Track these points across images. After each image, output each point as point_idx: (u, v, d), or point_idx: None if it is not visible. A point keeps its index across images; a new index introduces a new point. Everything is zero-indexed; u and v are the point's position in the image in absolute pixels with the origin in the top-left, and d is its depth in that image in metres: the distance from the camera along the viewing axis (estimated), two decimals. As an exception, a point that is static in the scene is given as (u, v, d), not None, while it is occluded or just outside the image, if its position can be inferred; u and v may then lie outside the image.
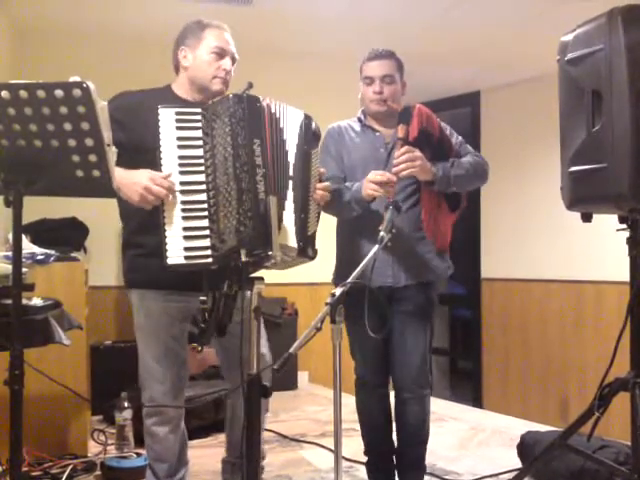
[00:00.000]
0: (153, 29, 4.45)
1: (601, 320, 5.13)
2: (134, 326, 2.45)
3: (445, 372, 7.14)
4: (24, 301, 2.39)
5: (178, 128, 2.08)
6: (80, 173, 1.71)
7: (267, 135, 2.05)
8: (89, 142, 1.66)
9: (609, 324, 4.96)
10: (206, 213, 2.04)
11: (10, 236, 2.83)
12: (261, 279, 2.02)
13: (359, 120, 2.80)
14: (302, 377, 5.25)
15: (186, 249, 2.03)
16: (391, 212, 2.33)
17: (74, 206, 4.22)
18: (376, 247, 2.23)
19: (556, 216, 4.25)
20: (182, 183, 2.07)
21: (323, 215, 2.38)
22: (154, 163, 2.08)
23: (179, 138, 2.08)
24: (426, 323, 2.73)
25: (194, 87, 2.42)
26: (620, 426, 2.74)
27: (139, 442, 3.26)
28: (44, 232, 3.96)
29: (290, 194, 2.12)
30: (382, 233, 2.26)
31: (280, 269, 2.20)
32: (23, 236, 1.82)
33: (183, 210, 2.06)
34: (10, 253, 2.42)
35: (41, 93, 1.60)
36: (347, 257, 2.71)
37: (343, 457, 2.11)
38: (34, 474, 3.05)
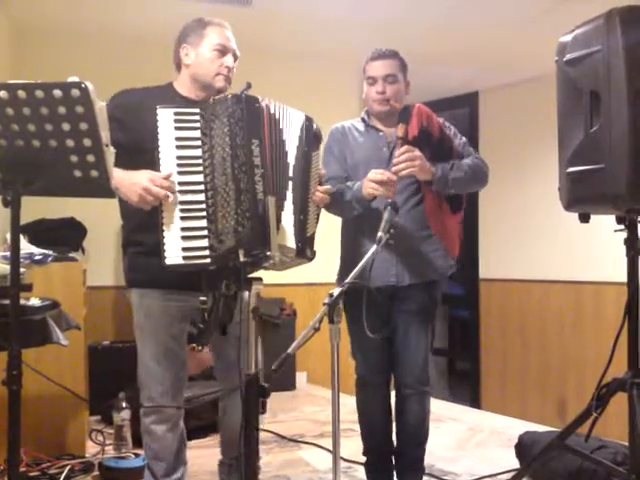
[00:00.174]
0: (153, 29, 4.44)
1: (600, 321, 5.13)
2: (133, 325, 2.45)
3: (443, 372, 7.14)
4: (22, 301, 2.39)
5: (177, 128, 2.08)
6: (78, 173, 1.71)
7: (266, 135, 2.05)
8: (87, 142, 1.66)
9: (608, 325, 4.95)
10: (204, 213, 2.04)
11: (8, 236, 2.83)
12: (259, 279, 2.02)
13: (363, 120, 2.81)
14: (300, 377, 5.24)
15: (184, 249, 2.03)
16: (389, 212, 2.34)
17: (72, 206, 4.21)
18: (374, 247, 2.23)
19: (555, 216, 4.25)
20: (180, 183, 2.07)
21: (322, 216, 2.37)
22: (153, 163, 2.08)
23: (177, 138, 2.08)
24: (429, 322, 2.75)
25: (196, 84, 2.42)
26: (618, 426, 2.74)
27: (137, 442, 3.26)
28: (42, 232, 3.95)
29: (289, 195, 2.11)
30: (380, 233, 2.27)
31: (278, 270, 2.20)
32: (21, 236, 1.83)
33: (181, 210, 2.06)
34: (8, 253, 2.42)
35: (39, 93, 1.60)
36: (350, 257, 2.71)
37: (341, 457, 2.11)
38: (32, 474, 3.05)
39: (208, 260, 2.02)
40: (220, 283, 2.00)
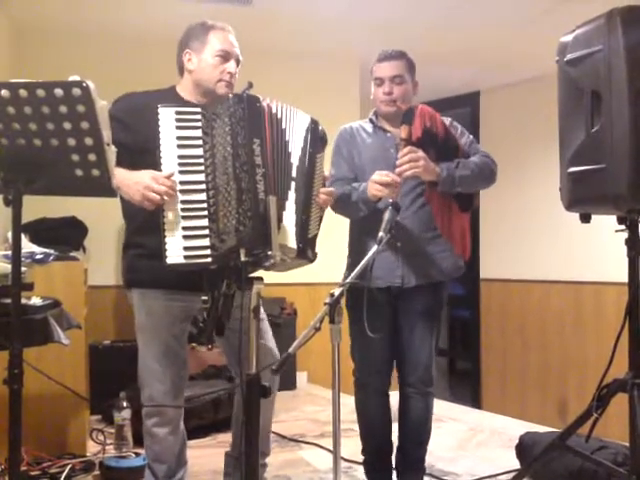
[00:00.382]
0: (153, 29, 4.45)
1: (600, 321, 5.13)
2: (135, 325, 2.45)
3: (444, 373, 7.15)
4: (23, 300, 2.39)
5: (178, 127, 2.08)
6: (79, 172, 1.71)
7: (267, 135, 2.05)
8: (88, 141, 1.66)
9: (608, 325, 4.96)
10: (206, 213, 2.05)
11: (9, 235, 2.83)
12: (260, 279, 2.02)
13: (371, 121, 2.81)
14: (301, 377, 5.25)
15: (185, 248, 2.03)
16: (390, 212, 2.34)
17: (73, 205, 4.22)
18: (375, 247, 2.23)
19: (555, 217, 4.26)
20: (182, 183, 2.07)
21: (324, 217, 2.37)
22: (156, 164, 2.08)
23: (179, 137, 2.08)
24: (434, 324, 2.75)
25: (199, 90, 2.42)
26: (618, 427, 2.74)
27: (138, 442, 3.26)
28: (43, 231, 3.95)
29: (292, 195, 2.12)
30: (381, 233, 2.27)
31: (279, 271, 2.20)
32: (22, 235, 1.82)
33: (183, 210, 2.06)
34: (9, 252, 2.42)
35: (41, 92, 1.60)
36: (356, 257, 2.72)
37: (342, 457, 2.11)
38: (33, 473, 3.05)
39: (209, 259, 2.02)
40: (221, 282, 2.01)
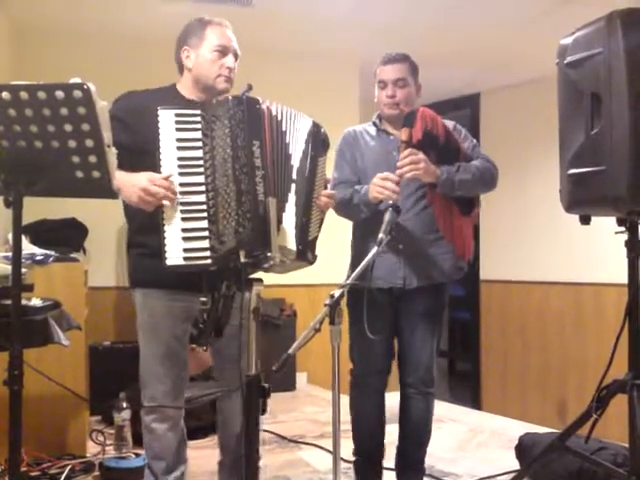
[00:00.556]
0: (153, 29, 4.45)
1: (600, 322, 5.13)
2: (137, 325, 2.45)
3: (444, 374, 7.15)
4: (24, 302, 2.40)
5: (178, 129, 2.08)
6: (80, 174, 1.71)
7: (267, 137, 2.05)
8: (89, 143, 1.66)
9: (608, 326, 4.96)
10: (205, 214, 2.04)
11: (10, 237, 2.83)
12: (260, 280, 2.03)
13: (374, 124, 2.82)
14: (301, 378, 5.25)
15: (185, 250, 2.03)
16: (390, 214, 2.34)
17: (73, 207, 4.22)
18: (375, 249, 2.24)
19: (555, 218, 4.26)
20: (181, 184, 2.07)
21: (324, 219, 2.37)
22: (155, 166, 2.08)
23: (179, 139, 2.08)
24: (435, 325, 2.76)
25: (199, 86, 2.42)
26: (618, 428, 2.74)
27: (138, 442, 3.26)
28: (44, 233, 3.96)
29: (292, 197, 2.11)
30: (381, 235, 2.27)
31: (279, 273, 2.20)
32: (23, 237, 1.83)
33: (182, 211, 2.06)
34: (10, 254, 2.43)
35: (42, 94, 1.60)
36: (358, 258, 2.72)
37: (341, 458, 2.11)
38: (33, 474, 3.05)
39: (209, 261, 2.03)
40: (221, 284, 2.01)
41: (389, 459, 2.92)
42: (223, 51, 2.39)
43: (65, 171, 1.71)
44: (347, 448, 2.85)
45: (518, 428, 4.08)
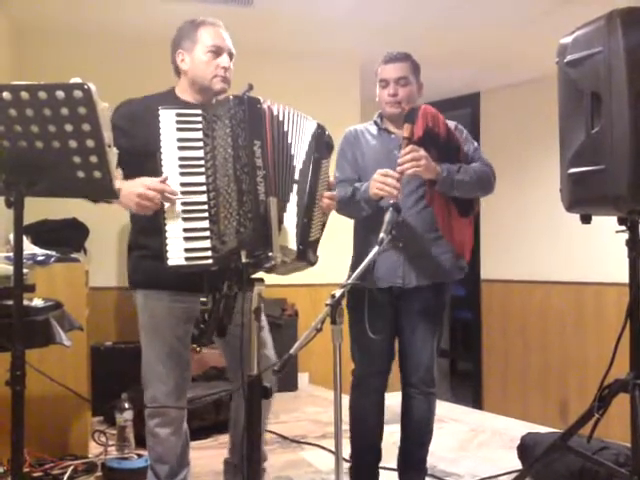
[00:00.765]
0: (153, 29, 4.45)
1: (601, 321, 5.13)
2: (138, 326, 2.46)
3: (445, 373, 7.15)
4: (25, 302, 2.40)
5: (179, 129, 2.09)
6: (81, 174, 1.71)
7: (268, 136, 2.06)
8: (90, 143, 1.67)
9: (609, 325, 4.96)
10: (206, 214, 2.05)
11: (11, 237, 2.83)
12: (261, 280, 2.03)
13: (375, 123, 2.82)
14: (302, 378, 5.25)
15: (186, 250, 2.03)
16: (391, 213, 2.34)
17: (74, 207, 4.20)
18: (376, 248, 2.23)
19: (556, 217, 4.26)
20: (183, 184, 2.07)
21: (327, 222, 2.37)
22: (157, 170, 2.09)
23: (180, 139, 2.08)
24: (436, 325, 2.75)
25: (196, 88, 2.42)
26: (620, 428, 2.74)
27: (140, 443, 3.26)
28: (44, 233, 3.96)
29: (294, 197, 2.11)
30: (382, 234, 2.27)
31: (281, 274, 2.20)
32: (24, 237, 1.83)
33: (184, 211, 2.06)
34: (11, 254, 2.43)
35: (42, 94, 1.61)
36: (360, 257, 2.72)
37: (343, 458, 2.11)
38: (35, 475, 3.05)
39: (210, 261, 2.03)
40: (222, 284, 2.01)
41: (391, 459, 2.92)
42: (217, 51, 2.38)
43: (66, 171, 1.71)
44: (349, 448, 2.85)
45: (520, 428, 4.07)
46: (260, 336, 2.05)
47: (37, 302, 2.63)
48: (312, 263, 2.18)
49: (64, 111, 1.62)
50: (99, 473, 3.19)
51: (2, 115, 1.63)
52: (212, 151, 2.05)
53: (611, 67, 1.96)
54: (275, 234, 1.98)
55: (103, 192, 1.78)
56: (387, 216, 2.34)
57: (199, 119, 2.10)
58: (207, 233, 2.04)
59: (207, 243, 2.03)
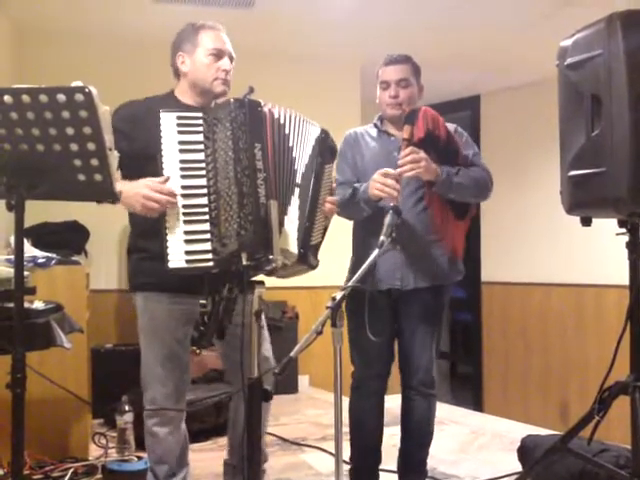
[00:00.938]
0: (153, 32, 4.45)
1: (601, 323, 5.13)
2: (138, 328, 2.46)
3: (445, 376, 7.15)
4: (26, 304, 2.40)
5: (180, 132, 2.09)
6: (82, 177, 1.72)
7: (268, 139, 2.06)
8: (91, 146, 1.67)
9: (609, 327, 4.96)
10: (207, 217, 2.05)
11: (12, 240, 2.84)
12: (262, 283, 2.03)
13: (375, 125, 2.82)
14: (303, 381, 5.25)
15: (187, 253, 2.04)
16: (391, 216, 2.34)
17: (75, 209, 4.23)
18: (376, 251, 2.23)
19: (556, 220, 4.25)
20: (183, 187, 2.08)
21: (329, 227, 2.37)
22: (158, 171, 2.09)
23: (180, 142, 2.09)
24: (434, 327, 2.75)
25: (196, 91, 2.43)
26: (620, 430, 2.74)
27: (140, 445, 3.26)
28: (45, 235, 3.96)
29: (295, 201, 2.12)
30: (382, 237, 2.27)
31: (281, 277, 2.20)
32: (25, 240, 1.83)
33: (184, 214, 2.06)
34: (12, 257, 2.43)
35: (43, 98, 1.61)
36: (360, 259, 2.72)
37: (344, 461, 2.11)
38: (35, 477, 3.05)
39: (211, 263, 2.03)
40: (222, 286, 2.01)
41: (391, 462, 2.92)
42: (218, 54, 2.40)
43: (67, 174, 1.71)
44: (349, 450, 2.85)
45: (520, 430, 4.07)
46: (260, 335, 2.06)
47: (38, 304, 2.63)
48: (313, 267, 2.19)
49: (65, 114, 1.63)
50: (99, 475, 3.19)
51: (3, 118, 1.63)
52: (213, 154, 2.06)
53: (611, 70, 1.96)
54: (275, 237, 1.98)
55: (104, 195, 1.78)
56: (387, 219, 2.34)
57: (200, 122, 2.10)
58: (208, 236, 2.04)
59: (208, 245, 2.03)
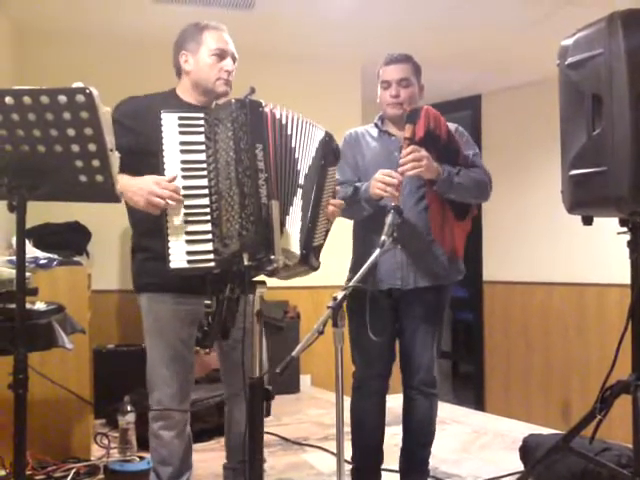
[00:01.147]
0: (154, 32, 4.46)
1: (603, 322, 5.13)
2: (143, 329, 2.46)
3: (447, 375, 7.15)
4: (28, 305, 2.40)
5: (181, 133, 2.09)
6: (83, 178, 1.72)
7: (270, 140, 2.06)
8: (92, 147, 1.67)
9: (611, 326, 4.96)
10: (209, 217, 2.05)
11: (13, 240, 2.84)
12: (263, 283, 2.03)
13: (376, 125, 2.82)
14: (304, 380, 5.25)
15: (189, 253, 2.04)
16: (392, 216, 2.34)
17: (77, 210, 4.23)
18: (377, 251, 2.23)
19: (558, 219, 4.25)
20: (185, 187, 2.08)
21: (331, 229, 2.37)
22: (159, 167, 2.09)
23: (182, 143, 2.09)
24: (435, 326, 2.75)
25: (198, 90, 2.43)
26: (622, 429, 2.74)
27: (142, 445, 3.27)
28: (47, 236, 3.96)
29: (298, 201, 2.12)
30: (383, 237, 2.27)
31: (282, 278, 2.20)
32: (26, 240, 1.83)
33: (186, 214, 2.06)
34: (14, 257, 2.44)
35: (44, 99, 1.61)
36: (360, 258, 2.72)
37: (345, 460, 2.11)
38: (38, 478, 3.06)
39: (213, 264, 2.03)
40: (224, 287, 2.01)
41: (393, 461, 2.93)
42: (221, 54, 2.40)
43: (68, 175, 1.71)
44: (351, 450, 2.85)
45: (522, 429, 4.07)
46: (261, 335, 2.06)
47: (39, 305, 2.63)
48: (314, 268, 2.19)
49: (66, 115, 1.63)
50: (101, 476, 3.19)
51: (4, 119, 1.63)
52: (214, 154, 2.06)
53: (612, 69, 1.96)
54: (277, 237, 1.98)
55: (105, 196, 1.78)
56: (388, 218, 2.34)
57: (201, 122, 2.10)
58: (209, 236, 2.04)
59: (209, 246, 2.04)
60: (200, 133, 2.09)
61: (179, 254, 2.03)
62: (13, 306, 1.79)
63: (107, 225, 4.26)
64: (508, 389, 5.96)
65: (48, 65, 4.50)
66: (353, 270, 2.79)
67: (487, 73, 5.63)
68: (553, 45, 2.23)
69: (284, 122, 2.11)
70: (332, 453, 3.53)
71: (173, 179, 2.07)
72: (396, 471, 2.90)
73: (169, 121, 2.10)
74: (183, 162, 2.09)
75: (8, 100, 1.61)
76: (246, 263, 1.95)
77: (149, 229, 2.30)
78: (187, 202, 2.07)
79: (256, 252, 1.97)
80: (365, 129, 2.85)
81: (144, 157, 2.20)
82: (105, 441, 3.58)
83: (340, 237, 2.91)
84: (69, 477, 3.08)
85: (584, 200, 2.14)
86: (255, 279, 2.04)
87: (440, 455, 3.49)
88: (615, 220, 2.18)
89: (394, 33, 4.62)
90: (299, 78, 5.23)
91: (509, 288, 5.94)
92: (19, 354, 1.72)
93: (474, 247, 6.06)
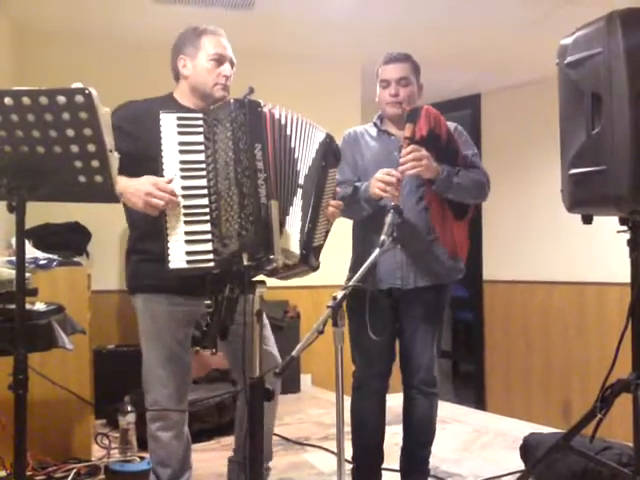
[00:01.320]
0: (154, 33, 4.45)
1: (603, 321, 5.13)
2: (139, 330, 2.46)
3: (448, 375, 7.15)
4: (27, 306, 2.40)
5: (180, 133, 2.09)
6: (83, 179, 1.72)
7: (269, 140, 2.06)
8: (91, 148, 1.67)
9: (611, 325, 4.96)
10: (208, 217, 2.05)
11: (13, 241, 2.84)
12: (263, 283, 2.03)
13: (375, 125, 2.82)
14: (305, 380, 5.25)
15: (188, 253, 2.04)
16: (392, 216, 2.34)
17: (76, 211, 4.23)
18: (377, 251, 2.23)
19: (558, 218, 4.26)
20: (184, 188, 2.08)
21: (331, 230, 2.37)
22: (158, 172, 2.09)
23: (181, 143, 2.09)
24: (435, 326, 2.75)
25: (196, 94, 2.44)
26: (622, 428, 2.74)
27: (142, 446, 3.27)
28: (47, 236, 3.97)
29: (298, 202, 2.12)
30: (383, 237, 2.27)
31: (282, 279, 2.20)
32: (26, 241, 1.83)
33: (185, 215, 2.07)
34: (13, 258, 2.44)
35: (44, 99, 1.61)
36: (360, 258, 2.72)
37: (346, 460, 2.11)
38: (38, 478, 3.06)
39: (212, 264, 2.03)
40: (224, 287, 2.01)
41: (393, 461, 2.93)
42: (219, 60, 2.41)
43: (67, 176, 1.71)
44: (351, 450, 2.85)
45: (522, 428, 4.07)
46: (262, 334, 2.06)
47: (39, 306, 2.63)
48: (314, 268, 2.19)
49: (65, 116, 1.63)
50: (102, 476, 3.19)
51: (4, 120, 1.63)
52: (213, 154, 2.06)
53: (611, 68, 1.96)
54: (276, 237, 1.98)
55: (104, 196, 1.78)
56: (388, 218, 2.34)
57: (200, 123, 2.10)
58: (209, 236, 2.04)
59: (209, 246, 2.04)
60: (199, 133, 2.09)
61: (178, 254, 2.03)
62: (13, 306, 1.79)
63: (107, 225, 4.25)
64: (508, 388, 5.96)
65: (48, 65, 4.50)
66: (353, 270, 2.79)
67: (487, 72, 5.63)
68: (553, 44, 2.23)
69: (283, 122, 2.12)
70: (333, 453, 3.53)
71: (171, 181, 2.07)
72: (396, 470, 2.90)
73: (168, 121, 2.10)
74: (182, 162, 2.09)
75: (7, 101, 1.61)
76: (245, 263, 1.95)
77: (146, 232, 2.30)
78: (186, 202, 2.07)
79: (255, 252, 1.97)
80: (364, 128, 2.85)
81: (143, 162, 2.20)
82: (105, 441, 3.58)
83: (340, 237, 2.91)
84: (69, 477, 3.08)
85: (584, 199, 2.14)
86: (255, 279, 2.05)
87: (441, 454, 3.49)
88: (615, 219, 2.18)
89: (394, 33, 4.62)
90: (299, 78, 5.23)
91: (509, 287, 5.94)
92: (19, 355, 1.72)
93: (474, 246, 6.00)
